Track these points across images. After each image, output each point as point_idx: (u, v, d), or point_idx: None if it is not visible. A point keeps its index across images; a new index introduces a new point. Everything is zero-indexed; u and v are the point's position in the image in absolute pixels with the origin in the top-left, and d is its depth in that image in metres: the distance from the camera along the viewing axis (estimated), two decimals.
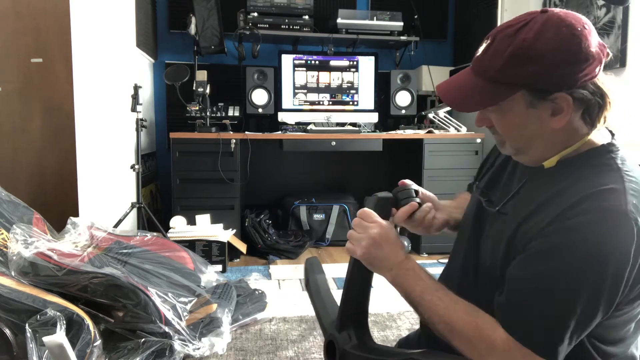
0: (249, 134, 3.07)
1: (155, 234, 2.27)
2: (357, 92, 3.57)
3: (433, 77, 3.67)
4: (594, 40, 0.73)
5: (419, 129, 3.37)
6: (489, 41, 0.76)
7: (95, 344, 1.52)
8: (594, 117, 0.77)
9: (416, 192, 0.98)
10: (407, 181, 0.99)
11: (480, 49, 0.77)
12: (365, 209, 0.89)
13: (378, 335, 1.91)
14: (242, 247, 2.96)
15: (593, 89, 0.75)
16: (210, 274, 2.21)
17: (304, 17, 3.41)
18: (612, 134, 0.84)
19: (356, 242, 0.86)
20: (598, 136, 0.80)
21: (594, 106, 0.76)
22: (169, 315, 1.68)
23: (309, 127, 3.26)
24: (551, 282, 0.69)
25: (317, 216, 3.37)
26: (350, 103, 3.57)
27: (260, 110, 3.38)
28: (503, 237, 0.79)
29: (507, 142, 0.82)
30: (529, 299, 0.71)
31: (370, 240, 0.84)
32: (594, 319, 0.69)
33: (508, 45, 0.72)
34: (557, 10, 0.74)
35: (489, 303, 0.76)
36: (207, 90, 3.11)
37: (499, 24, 3.32)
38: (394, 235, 0.86)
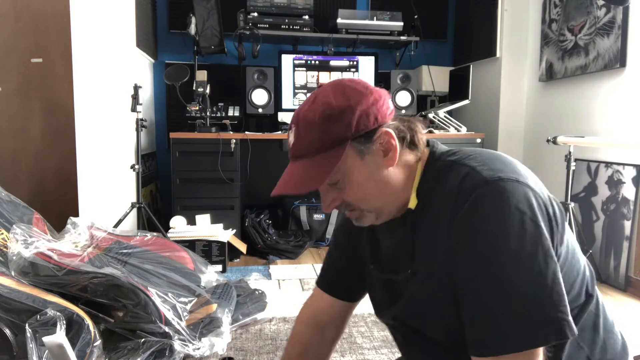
0: (249, 134, 3.07)
1: (155, 234, 2.27)
2: None
3: (433, 77, 3.67)
4: (370, 86, 0.81)
5: None
6: (294, 127, 0.79)
7: (95, 344, 1.52)
8: (415, 142, 0.81)
9: None
10: None
11: (291, 139, 0.79)
12: None
13: (378, 335, 1.91)
14: (242, 247, 2.96)
15: (399, 121, 0.81)
16: (210, 274, 2.21)
17: (304, 17, 3.41)
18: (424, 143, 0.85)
19: None
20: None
21: (409, 132, 0.80)
22: (169, 315, 1.68)
23: None
24: (499, 283, 0.66)
25: (317, 216, 3.37)
26: None
27: (260, 110, 3.38)
28: (436, 285, 0.76)
29: (365, 209, 0.81)
30: (497, 308, 0.66)
31: None
32: (557, 271, 0.67)
33: (314, 116, 0.76)
34: (333, 80, 0.82)
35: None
36: (207, 90, 3.11)
37: (499, 23, 3.32)
38: None
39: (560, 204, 0.77)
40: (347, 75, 3.55)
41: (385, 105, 0.79)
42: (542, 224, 0.68)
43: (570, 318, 0.66)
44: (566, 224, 0.76)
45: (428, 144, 0.85)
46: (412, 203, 0.80)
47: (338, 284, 1.01)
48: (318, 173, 0.76)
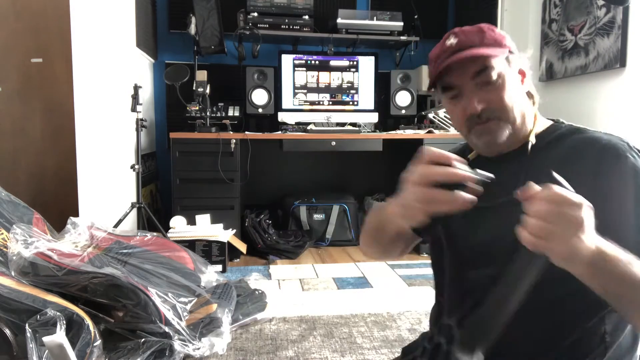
0: (249, 134, 3.07)
1: (155, 234, 2.27)
2: (357, 92, 3.57)
3: None
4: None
5: (419, 129, 3.37)
6: (457, 32, 0.89)
7: (95, 344, 1.52)
8: (531, 92, 0.92)
9: None
10: None
11: (452, 40, 0.88)
12: (555, 188, 0.63)
13: (378, 335, 1.91)
14: (242, 247, 2.96)
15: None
16: (210, 274, 2.21)
17: (304, 17, 3.41)
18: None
19: (555, 236, 0.61)
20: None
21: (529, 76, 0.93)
22: (169, 315, 1.68)
23: (309, 127, 3.26)
24: None
25: (317, 216, 3.37)
26: (350, 103, 3.57)
27: (260, 110, 3.38)
28: None
29: (505, 118, 0.85)
30: None
31: (580, 231, 0.62)
32: None
33: (477, 26, 0.88)
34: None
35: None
36: (207, 90, 3.11)
37: (499, 23, 3.32)
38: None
39: None
40: (347, 75, 3.55)
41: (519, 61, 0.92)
42: None
43: None
44: None
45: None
46: (532, 138, 0.87)
47: None
48: (492, 51, 0.85)
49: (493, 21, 3.36)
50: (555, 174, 0.65)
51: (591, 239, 0.64)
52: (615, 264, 0.66)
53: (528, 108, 0.89)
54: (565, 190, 0.62)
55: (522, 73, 0.91)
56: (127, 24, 2.83)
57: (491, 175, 0.70)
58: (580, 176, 0.73)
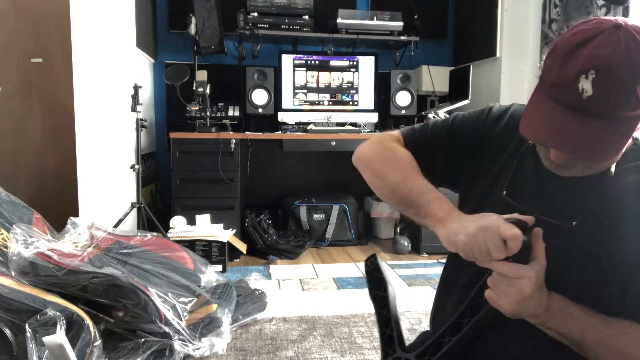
0: (249, 134, 3.07)
1: (155, 234, 2.27)
2: (357, 92, 3.57)
3: (433, 77, 3.67)
4: None
5: None
6: (596, 76, 0.66)
7: (95, 344, 1.52)
8: None
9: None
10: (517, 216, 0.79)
11: (589, 89, 0.66)
12: (506, 262, 0.73)
13: (377, 335, 1.91)
14: (242, 247, 2.96)
15: None
16: (210, 274, 2.21)
17: (304, 17, 3.41)
18: None
19: (502, 294, 0.74)
20: None
21: None
22: (169, 315, 1.68)
23: (309, 127, 3.26)
24: None
25: (317, 216, 3.37)
26: (350, 103, 3.57)
27: (260, 110, 3.38)
28: (607, 251, 0.77)
29: (587, 165, 0.76)
30: None
31: (521, 298, 0.72)
32: None
33: (630, 73, 0.65)
34: (621, 21, 0.69)
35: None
36: (207, 90, 3.11)
37: (499, 23, 3.32)
38: (542, 283, 0.74)
39: None
40: (347, 75, 3.55)
41: None
42: None
43: None
44: None
45: None
46: (612, 169, 0.78)
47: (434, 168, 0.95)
48: (616, 141, 0.69)
49: (493, 21, 3.36)
50: (528, 239, 0.74)
51: (540, 302, 0.74)
52: (565, 325, 0.76)
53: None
54: (518, 266, 0.73)
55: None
56: (127, 24, 2.83)
57: (528, 240, 0.74)
58: None
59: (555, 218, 0.79)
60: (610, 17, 0.70)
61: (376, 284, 0.92)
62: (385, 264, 0.93)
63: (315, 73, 3.51)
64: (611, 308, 0.76)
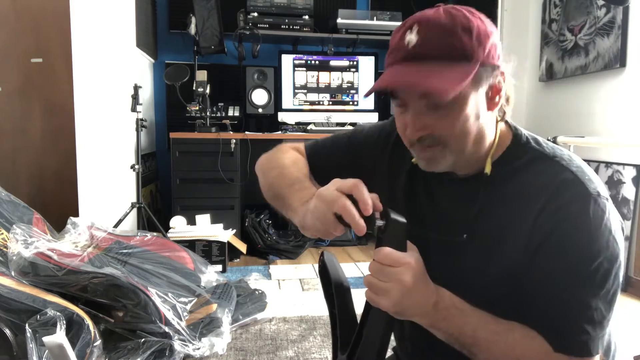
0: (249, 134, 3.07)
1: (155, 234, 2.27)
2: (357, 92, 3.57)
3: None
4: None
5: None
6: (417, 26, 0.70)
7: (95, 344, 1.52)
8: (504, 106, 0.77)
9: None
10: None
11: (412, 38, 0.70)
12: (385, 249, 0.68)
13: None
14: (242, 247, 2.96)
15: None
16: (210, 274, 2.21)
17: (304, 17, 3.41)
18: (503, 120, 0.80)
19: (382, 292, 0.68)
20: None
21: (506, 92, 0.76)
22: (169, 315, 1.68)
23: (309, 127, 3.26)
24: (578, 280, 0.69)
25: None
26: (350, 103, 3.57)
27: (260, 110, 3.38)
28: (495, 260, 0.75)
29: (451, 148, 0.73)
30: (571, 309, 0.69)
31: (403, 290, 0.67)
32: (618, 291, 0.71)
33: (449, 22, 0.69)
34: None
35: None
36: (207, 90, 3.11)
37: (499, 23, 3.32)
38: (424, 272, 0.70)
39: None
40: (347, 75, 3.55)
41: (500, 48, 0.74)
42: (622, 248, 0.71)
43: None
44: None
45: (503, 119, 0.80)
46: (488, 168, 0.76)
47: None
48: (450, 79, 0.67)
49: (493, 21, 3.36)
50: (395, 217, 0.68)
51: (425, 296, 0.69)
52: (457, 324, 0.71)
53: (489, 130, 0.76)
54: (393, 251, 0.67)
55: (494, 89, 0.74)
56: (127, 24, 2.83)
57: (402, 220, 0.68)
58: (525, 218, 0.72)
59: (448, 233, 0.79)
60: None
61: (325, 283, 0.88)
62: (335, 260, 0.90)
63: (315, 73, 3.51)
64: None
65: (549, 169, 0.73)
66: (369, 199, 0.67)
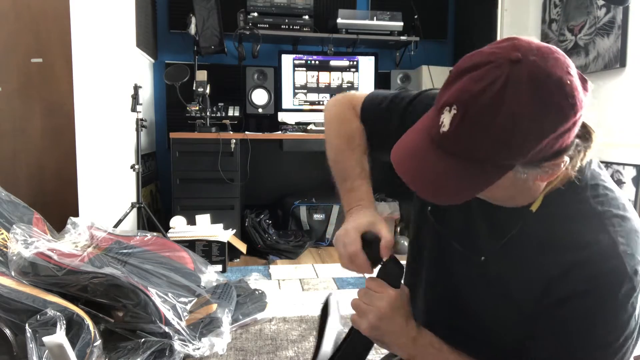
0: (249, 134, 3.07)
1: (155, 234, 2.27)
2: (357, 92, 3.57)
3: (433, 77, 3.66)
4: (577, 79, 0.62)
5: None
6: (457, 112, 0.58)
7: (95, 344, 1.52)
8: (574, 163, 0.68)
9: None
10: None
11: (447, 124, 0.59)
12: (377, 279, 0.76)
13: None
14: (242, 247, 2.96)
15: (580, 131, 0.64)
16: (210, 274, 2.21)
17: (304, 17, 3.41)
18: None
19: (361, 313, 0.74)
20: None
21: (578, 155, 0.66)
22: (169, 315, 1.68)
23: (309, 127, 3.26)
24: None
25: (317, 216, 3.37)
26: None
27: (260, 110, 3.38)
28: (513, 295, 0.73)
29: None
30: None
31: (379, 314, 0.72)
32: None
33: (495, 117, 0.56)
34: (530, 57, 0.58)
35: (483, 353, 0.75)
36: (207, 90, 3.11)
37: (499, 23, 3.32)
38: (404, 307, 0.74)
39: None
40: (347, 75, 3.55)
41: (578, 125, 0.62)
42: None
43: None
44: None
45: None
46: (535, 206, 0.70)
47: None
48: (470, 185, 0.62)
49: (493, 21, 3.36)
50: (396, 261, 0.78)
51: (403, 328, 0.74)
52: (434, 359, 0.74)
53: (531, 195, 0.70)
54: (381, 281, 0.75)
55: (544, 178, 0.65)
56: (127, 24, 2.83)
57: (401, 264, 0.78)
58: (549, 269, 0.68)
59: (471, 248, 0.78)
60: (526, 41, 0.60)
61: (322, 317, 0.94)
62: (338, 304, 0.96)
63: (315, 73, 3.51)
64: (497, 344, 0.75)
65: (592, 225, 0.68)
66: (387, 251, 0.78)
